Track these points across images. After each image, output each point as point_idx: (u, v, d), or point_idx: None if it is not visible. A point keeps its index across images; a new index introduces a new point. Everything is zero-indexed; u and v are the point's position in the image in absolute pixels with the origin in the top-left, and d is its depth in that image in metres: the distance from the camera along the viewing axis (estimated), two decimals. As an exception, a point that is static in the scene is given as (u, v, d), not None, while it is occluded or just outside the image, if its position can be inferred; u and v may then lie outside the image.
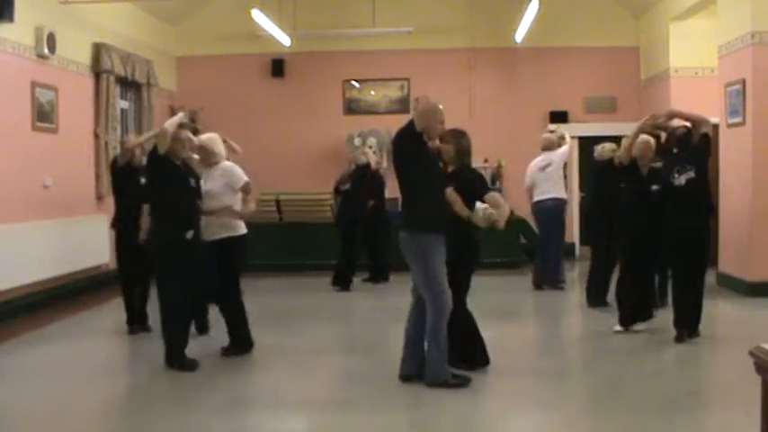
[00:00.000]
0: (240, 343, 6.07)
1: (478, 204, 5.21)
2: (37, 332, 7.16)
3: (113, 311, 7.58)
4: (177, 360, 5.60)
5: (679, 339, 6.20)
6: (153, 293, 6.33)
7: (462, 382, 5.12)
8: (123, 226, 6.88)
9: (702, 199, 6.34)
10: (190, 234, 5.66)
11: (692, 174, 6.23)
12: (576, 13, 12.14)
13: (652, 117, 6.74)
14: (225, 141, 6.70)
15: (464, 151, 5.34)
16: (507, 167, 11.98)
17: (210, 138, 6.16)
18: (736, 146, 8.61)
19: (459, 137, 5.35)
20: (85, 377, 5.69)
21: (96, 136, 9.63)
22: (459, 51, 12.38)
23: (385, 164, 12.11)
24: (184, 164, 5.83)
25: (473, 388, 5.16)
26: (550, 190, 9.05)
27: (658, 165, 6.91)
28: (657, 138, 7.02)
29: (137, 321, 6.95)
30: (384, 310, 8.35)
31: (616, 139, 12.08)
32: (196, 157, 6.16)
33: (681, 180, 6.27)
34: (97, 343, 6.91)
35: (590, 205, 8.54)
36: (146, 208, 6.32)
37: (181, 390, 5.28)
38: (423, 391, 5.06)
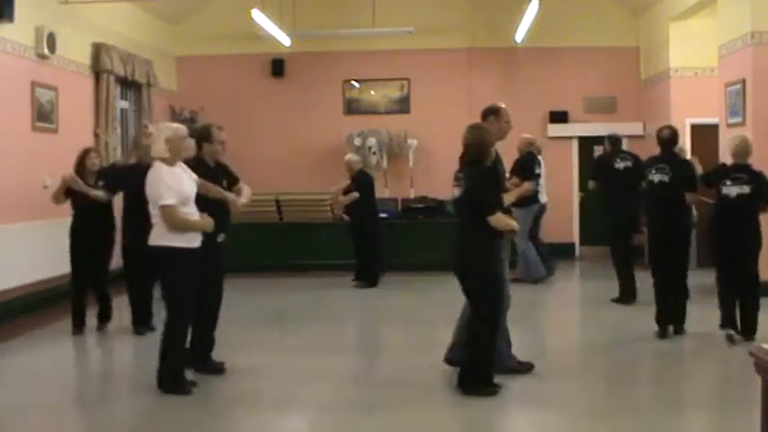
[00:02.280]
0: None
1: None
2: (37, 332, 7.16)
3: (113, 311, 7.57)
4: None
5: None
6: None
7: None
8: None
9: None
10: (221, 237, 5.56)
11: (666, 178, 6.51)
12: (576, 13, 12.13)
13: None
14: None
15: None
16: (507, 167, 11.97)
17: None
18: (736, 146, 8.60)
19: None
20: (86, 377, 5.69)
21: (96, 136, 9.63)
22: (460, 51, 12.38)
23: (385, 164, 12.15)
24: (218, 166, 5.73)
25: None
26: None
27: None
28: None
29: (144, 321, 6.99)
30: (384, 309, 8.37)
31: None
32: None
33: (655, 178, 6.61)
34: (97, 343, 6.91)
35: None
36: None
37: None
38: (422, 390, 5.06)
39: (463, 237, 5.05)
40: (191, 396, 5.04)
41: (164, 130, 5.17)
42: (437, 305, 8.81)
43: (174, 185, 4.97)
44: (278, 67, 12.53)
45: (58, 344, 6.76)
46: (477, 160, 4.93)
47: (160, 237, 5.01)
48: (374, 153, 11.96)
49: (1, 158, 7.68)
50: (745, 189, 6.12)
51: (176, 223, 4.96)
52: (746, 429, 4.00)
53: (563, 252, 11.62)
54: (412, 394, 5.04)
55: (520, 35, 11.22)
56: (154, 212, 5.03)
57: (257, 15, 10.22)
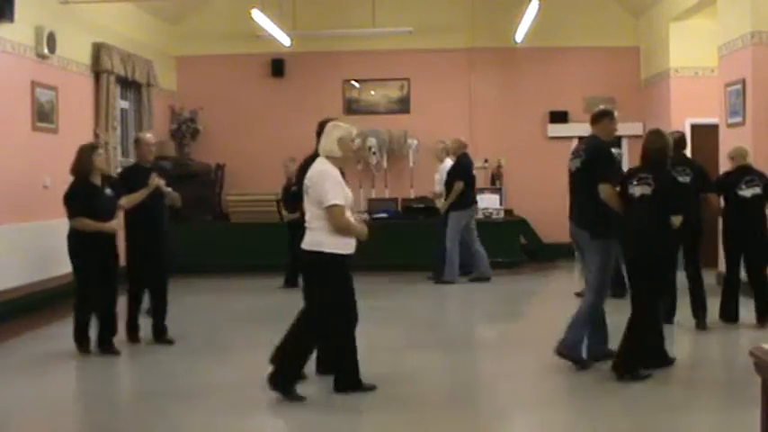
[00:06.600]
0: None
1: None
2: (37, 332, 7.16)
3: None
4: None
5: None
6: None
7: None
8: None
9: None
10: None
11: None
12: (576, 13, 12.12)
13: None
14: None
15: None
16: (507, 167, 11.98)
17: None
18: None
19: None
20: (86, 377, 5.69)
21: (96, 136, 9.62)
22: (460, 51, 12.38)
23: (385, 164, 12.15)
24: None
25: (470, 387, 5.15)
26: None
27: None
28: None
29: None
30: (385, 310, 8.37)
31: (617, 140, 12.17)
32: None
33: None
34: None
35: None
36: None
37: (180, 389, 5.28)
38: (420, 390, 5.06)
39: (648, 232, 5.30)
40: (189, 396, 5.03)
41: (336, 129, 4.92)
42: (437, 305, 8.82)
43: (340, 185, 4.79)
44: (278, 67, 12.53)
45: (57, 344, 6.75)
46: (662, 162, 5.34)
47: (319, 242, 4.77)
48: (374, 153, 11.96)
49: (1, 158, 7.68)
50: (757, 190, 6.62)
51: (343, 225, 4.72)
52: (746, 429, 3.99)
53: (563, 252, 11.61)
54: (410, 394, 5.04)
55: (520, 35, 11.23)
56: (314, 214, 4.78)
57: (257, 15, 10.22)
